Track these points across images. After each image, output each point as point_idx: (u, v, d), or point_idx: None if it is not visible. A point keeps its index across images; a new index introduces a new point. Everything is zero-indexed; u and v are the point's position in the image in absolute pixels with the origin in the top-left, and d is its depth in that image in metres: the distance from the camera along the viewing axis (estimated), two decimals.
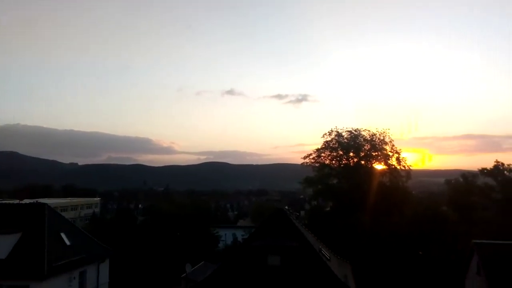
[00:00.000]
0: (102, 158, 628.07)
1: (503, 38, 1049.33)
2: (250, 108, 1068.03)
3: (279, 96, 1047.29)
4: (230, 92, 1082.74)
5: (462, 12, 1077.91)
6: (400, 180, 58.68)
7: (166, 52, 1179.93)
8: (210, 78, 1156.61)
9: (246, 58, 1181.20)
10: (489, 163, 62.96)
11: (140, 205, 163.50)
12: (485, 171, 62.77)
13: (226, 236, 65.84)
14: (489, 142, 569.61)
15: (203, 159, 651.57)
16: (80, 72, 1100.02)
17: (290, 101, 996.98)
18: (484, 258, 27.90)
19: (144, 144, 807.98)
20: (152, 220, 59.25)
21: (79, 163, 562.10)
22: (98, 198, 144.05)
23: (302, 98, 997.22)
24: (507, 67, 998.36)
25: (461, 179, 66.06)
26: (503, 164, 61.94)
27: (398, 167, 58.47)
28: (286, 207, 35.36)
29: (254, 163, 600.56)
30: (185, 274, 35.69)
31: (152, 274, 48.29)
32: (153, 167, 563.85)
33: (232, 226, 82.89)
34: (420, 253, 46.68)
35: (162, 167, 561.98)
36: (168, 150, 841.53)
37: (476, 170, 65.39)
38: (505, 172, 61.44)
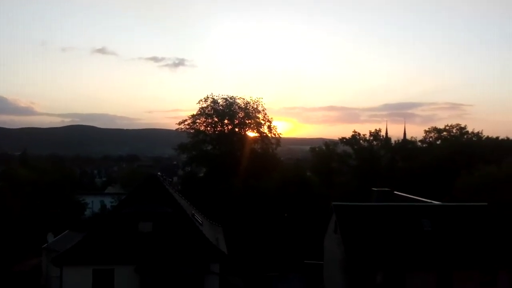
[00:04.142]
0: None
1: (365, 17, 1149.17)
2: (122, 69, 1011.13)
3: (155, 59, 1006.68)
4: (101, 50, 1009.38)
5: None
6: (270, 147, 61.64)
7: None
8: (79, 34, 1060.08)
9: (121, 15, 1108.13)
10: (348, 133, 69.83)
11: None
12: (344, 140, 69.61)
13: (93, 203, 62.61)
14: (348, 114, 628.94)
15: (67, 121, 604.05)
16: None
17: (167, 65, 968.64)
18: (341, 218, 30.79)
19: None
20: (7, 187, 53.30)
21: None
22: None
23: (179, 63, 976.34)
24: (367, 44, 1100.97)
25: (323, 147, 72.26)
26: (359, 134, 69.33)
27: (269, 135, 61.21)
28: (159, 173, 34.56)
29: (125, 127, 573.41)
30: (46, 244, 33.11)
31: (7, 246, 43.81)
32: (8, 129, 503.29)
33: (100, 193, 78.96)
34: (286, 215, 49.94)
35: (19, 129, 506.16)
36: (27, 111, 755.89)
37: (337, 139, 72.13)
38: (361, 141, 68.84)
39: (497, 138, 68.07)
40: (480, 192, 42.04)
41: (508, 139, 68.30)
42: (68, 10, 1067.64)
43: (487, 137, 68.84)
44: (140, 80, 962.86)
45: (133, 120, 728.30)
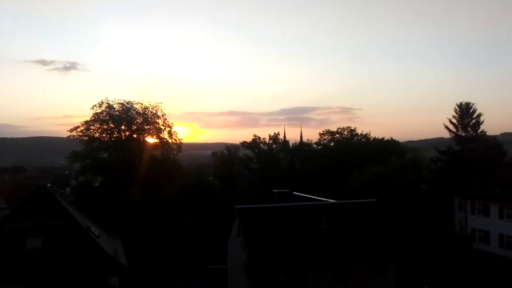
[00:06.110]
0: None
1: (262, 25, 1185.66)
2: (4, 72, 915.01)
3: (43, 62, 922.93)
4: None
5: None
6: (171, 153, 60.34)
7: None
8: None
9: (2, 15, 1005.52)
10: (248, 137, 71.41)
11: None
12: (245, 144, 71.03)
13: None
14: (249, 118, 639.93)
15: None
16: None
17: (57, 68, 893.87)
18: (243, 220, 31.01)
19: None
20: None
21: None
22: None
23: (71, 66, 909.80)
24: (265, 52, 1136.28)
25: (225, 152, 72.88)
26: (259, 137, 71.24)
27: (170, 140, 59.88)
28: (49, 185, 31.86)
29: (8, 136, 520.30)
30: None
31: None
32: None
33: None
34: (188, 221, 49.27)
35: None
36: None
37: (238, 143, 73.21)
38: (261, 145, 70.75)
39: (383, 139, 74.15)
40: (370, 189, 45.47)
41: (392, 139, 74.73)
42: None
43: (374, 138, 74.68)
44: (25, 85, 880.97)
45: (18, 128, 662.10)
